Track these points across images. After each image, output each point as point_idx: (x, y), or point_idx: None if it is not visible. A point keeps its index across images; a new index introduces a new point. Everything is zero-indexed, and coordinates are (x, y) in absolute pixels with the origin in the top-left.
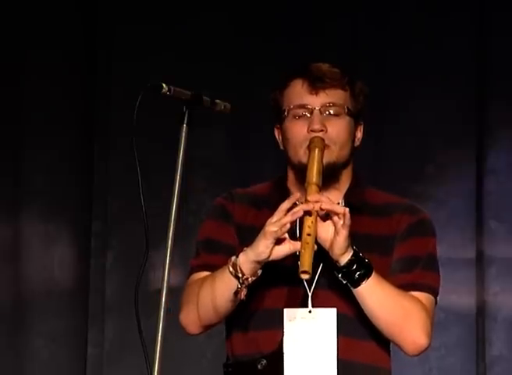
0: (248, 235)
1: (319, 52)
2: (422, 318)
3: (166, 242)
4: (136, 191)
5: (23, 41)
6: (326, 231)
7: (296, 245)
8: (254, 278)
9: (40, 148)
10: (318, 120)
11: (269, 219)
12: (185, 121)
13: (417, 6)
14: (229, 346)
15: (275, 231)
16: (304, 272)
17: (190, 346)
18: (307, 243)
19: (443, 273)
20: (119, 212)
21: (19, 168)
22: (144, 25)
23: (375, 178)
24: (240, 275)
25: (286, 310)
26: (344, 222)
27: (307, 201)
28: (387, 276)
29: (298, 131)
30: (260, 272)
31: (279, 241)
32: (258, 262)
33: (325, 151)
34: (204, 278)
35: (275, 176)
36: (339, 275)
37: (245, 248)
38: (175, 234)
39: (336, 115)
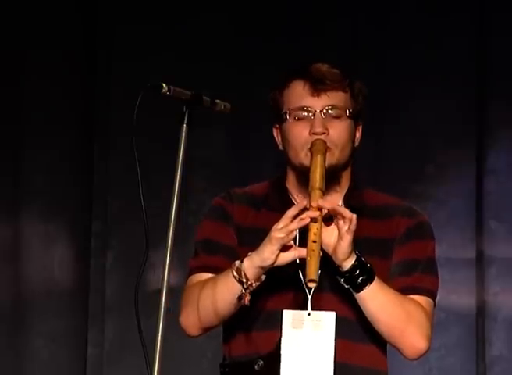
0: (248, 236)
1: (319, 52)
2: (422, 322)
3: (166, 242)
4: (136, 191)
5: (23, 41)
6: (330, 236)
7: (302, 252)
8: (257, 283)
9: (40, 148)
10: (320, 123)
11: (275, 225)
12: (185, 121)
13: (417, 6)
14: (227, 346)
15: (282, 238)
16: (311, 280)
17: (190, 346)
18: (313, 250)
19: (443, 273)
20: (119, 212)
21: (19, 168)
22: (144, 25)
23: (375, 178)
24: (244, 280)
25: (285, 312)
26: (349, 227)
27: (311, 206)
28: (387, 279)
29: (299, 133)
30: (264, 277)
31: (284, 247)
32: (263, 268)
33: (327, 154)
34: (206, 281)
35: (273, 176)
36: (342, 280)
37: (250, 253)
38: (175, 234)
39: (337, 117)
